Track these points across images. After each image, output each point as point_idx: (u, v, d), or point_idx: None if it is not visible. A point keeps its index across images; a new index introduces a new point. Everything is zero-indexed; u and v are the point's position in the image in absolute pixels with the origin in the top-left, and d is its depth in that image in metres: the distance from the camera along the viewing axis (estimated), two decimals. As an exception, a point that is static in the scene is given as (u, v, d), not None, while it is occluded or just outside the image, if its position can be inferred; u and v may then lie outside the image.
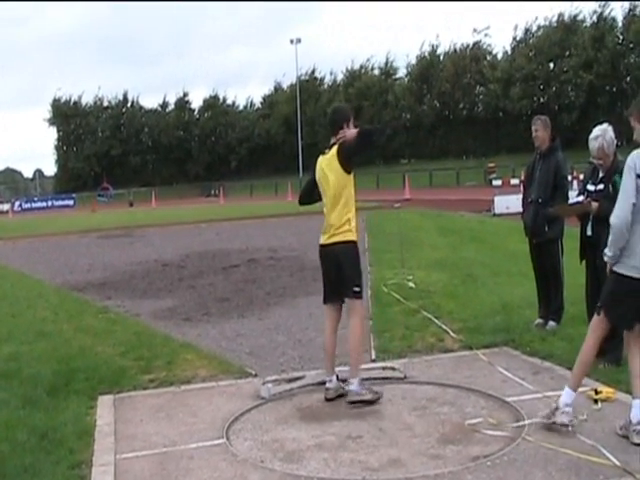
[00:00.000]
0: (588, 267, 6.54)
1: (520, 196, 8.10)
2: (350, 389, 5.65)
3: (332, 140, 5.90)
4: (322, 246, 5.88)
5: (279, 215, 30.71)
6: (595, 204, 6.26)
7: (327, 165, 5.83)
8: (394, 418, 5.40)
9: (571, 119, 62.72)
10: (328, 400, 5.80)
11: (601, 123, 6.37)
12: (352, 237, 5.76)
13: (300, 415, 5.61)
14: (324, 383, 6.00)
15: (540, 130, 7.58)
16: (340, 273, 5.76)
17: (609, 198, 6.17)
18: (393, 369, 6.41)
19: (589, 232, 6.38)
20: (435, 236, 17.40)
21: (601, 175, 6.35)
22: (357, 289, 5.73)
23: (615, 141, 6.30)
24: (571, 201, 6.76)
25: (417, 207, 28.14)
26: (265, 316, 9.50)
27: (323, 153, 5.97)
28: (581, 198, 6.48)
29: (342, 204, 5.74)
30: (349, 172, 5.75)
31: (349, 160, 5.72)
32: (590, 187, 6.40)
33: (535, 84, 66.71)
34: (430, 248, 14.95)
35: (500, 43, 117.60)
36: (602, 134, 6.19)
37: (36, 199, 78.82)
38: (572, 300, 7.81)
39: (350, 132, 5.74)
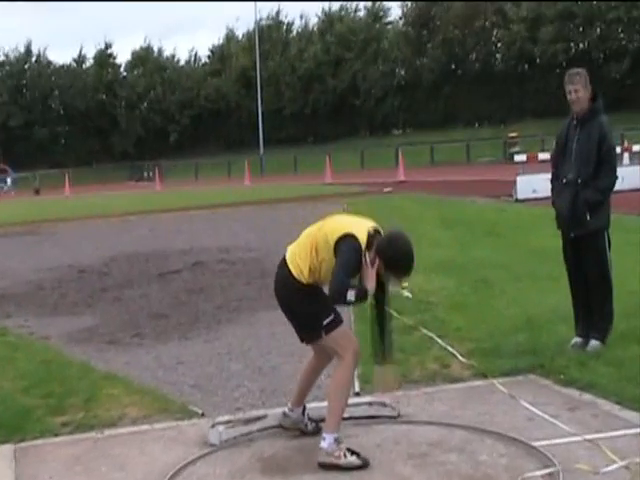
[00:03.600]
0: None
1: (550, 175, 8.09)
2: (321, 446, 5.52)
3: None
4: None
5: (233, 204, 30.68)
6: None
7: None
8: (385, 469, 5.40)
9: (621, 70, 62.77)
10: (281, 427, 6.01)
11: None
12: None
13: (261, 466, 5.61)
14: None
15: (580, 90, 7.44)
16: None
17: None
18: (383, 405, 6.43)
19: None
20: (438, 229, 17.48)
21: None
22: None
23: None
24: None
25: (414, 192, 28.22)
26: (214, 337, 9.50)
27: None
28: None
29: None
30: None
31: None
32: None
33: (572, 25, 66.71)
34: (431, 245, 14.98)
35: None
36: None
37: None
38: (621, 312, 7.87)
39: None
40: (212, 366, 8.24)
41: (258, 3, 78.59)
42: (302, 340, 6.00)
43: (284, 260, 5.84)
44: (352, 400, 6.51)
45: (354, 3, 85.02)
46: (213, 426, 6.14)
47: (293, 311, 5.90)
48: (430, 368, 7.51)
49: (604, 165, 7.44)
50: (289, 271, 5.74)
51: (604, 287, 7.56)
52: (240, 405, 6.91)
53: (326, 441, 5.48)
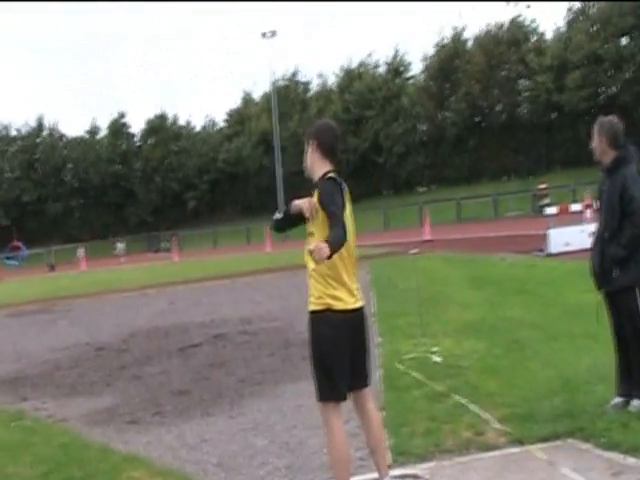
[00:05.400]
0: None
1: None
2: None
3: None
4: (353, 311, 5.93)
5: (254, 272, 30.76)
6: None
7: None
8: None
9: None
10: None
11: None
12: None
13: None
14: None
15: (595, 139, 7.50)
16: (366, 347, 6.07)
17: None
18: (416, 477, 6.40)
19: None
20: (466, 290, 17.44)
21: None
22: None
23: None
24: None
25: (441, 251, 28.22)
26: (238, 412, 9.48)
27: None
28: None
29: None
30: None
31: None
32: None
33: (600, 69, 66.60)
34: (460, 307, 14.98)
35: (548, 19, 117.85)
36: None
37: None
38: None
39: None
40: (236, 443, 8.21)
41: (273, 65, 79.36)
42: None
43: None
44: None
45: (372, 60, 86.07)
46: (238, 507, 6.13)
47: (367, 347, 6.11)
48: (463, 436, 7.44)
49: (627, 218, 7.38)
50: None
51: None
52: (266, 484, 6.89)
53: None
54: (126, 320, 20.28)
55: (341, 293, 5.78)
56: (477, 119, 76.85)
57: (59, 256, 73.05)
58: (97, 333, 18.27)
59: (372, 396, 6.12)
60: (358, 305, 5.87)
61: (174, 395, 10.80)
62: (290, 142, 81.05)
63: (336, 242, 5.45)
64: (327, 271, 5.79)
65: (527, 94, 73.72)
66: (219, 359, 13.12)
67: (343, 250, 5.69)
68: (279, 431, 8.44)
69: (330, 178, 5.91)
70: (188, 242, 74.77)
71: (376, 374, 10.21)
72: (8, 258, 79.37)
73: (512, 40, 74.21)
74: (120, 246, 73.24)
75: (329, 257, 5.36)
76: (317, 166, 6.03)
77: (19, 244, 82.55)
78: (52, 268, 64.99)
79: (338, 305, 5.75)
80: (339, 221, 5.60)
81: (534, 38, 75.73)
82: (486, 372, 9.60)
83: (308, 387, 9.98)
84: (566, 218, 33.95)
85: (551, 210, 46.22)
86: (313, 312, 5.82)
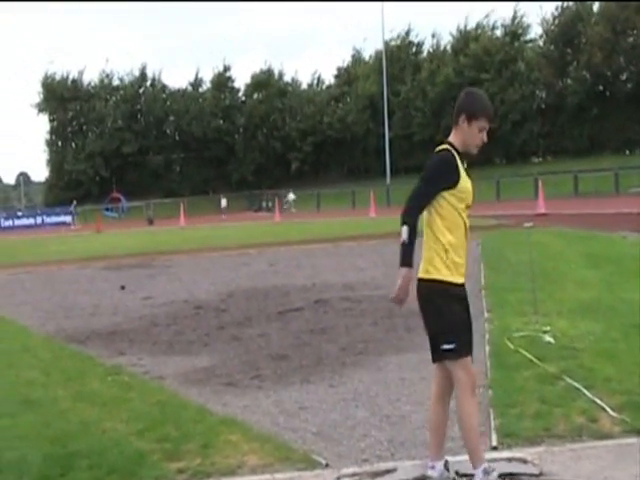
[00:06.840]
0: None
1: None
2: None
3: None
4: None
5: (358, 237, 30.77)
6: None
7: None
8: (526, 532, 5.33)
9: None
10: None
11: None
12: None
13: (390, 525, 5.60)
14: (424, 478, 5.99)
15: None
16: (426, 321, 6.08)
17: None
18: (524, 462, 6.33)
19: None
20: (583, 268, 17.17)
21: None
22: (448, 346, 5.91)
23: None
24: None
25: (556, 226, 27.82)
26: (339, 381, 9.49)
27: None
28: None
29: None
30: None
31: None
32: None
33: None
34: (576, 285, 14.76)
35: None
36: None
37: (20, 214, 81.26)
38: None
39: None
40: (336, 413, 8.22)
41: (386, 23, 78.99)
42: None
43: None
44: (489, 455, 6.44)
45: (489, 21, 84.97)
46: (338, 478, 6.16)
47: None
48: (576, 422, 7.32)
49: None
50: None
51: None
52: (367, 456, 6.86)
53: (477, 477, 5.78)
54: (225, 279, 20.54)
55: None
56: (600, 88, 75.24)
57: (158, 210, 74.31)
58: (196, 291, 18.55)
59: (456, 386, 5.94)
60: (418, 276, 5.97)
61: (273, 359, 10.87)
62: (399, 106, 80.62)
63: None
64: None
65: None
66: (320, 325, 13.16)
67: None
68: (381, 403, 8.42)
69: None
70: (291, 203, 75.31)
71: (484, 350, 10.16)
72: (107, 209, 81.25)
73: (640, 5, 72.29)
74: (223, 202, 74.37)
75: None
76: None
77: (119, 196, 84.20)
78: (151, 222, 66.14)
79: None
80: None
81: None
82: (602, 356, 9.42)
83: (412, 360, 10.00)
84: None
85: (677, 187, 45.20)
86: None
